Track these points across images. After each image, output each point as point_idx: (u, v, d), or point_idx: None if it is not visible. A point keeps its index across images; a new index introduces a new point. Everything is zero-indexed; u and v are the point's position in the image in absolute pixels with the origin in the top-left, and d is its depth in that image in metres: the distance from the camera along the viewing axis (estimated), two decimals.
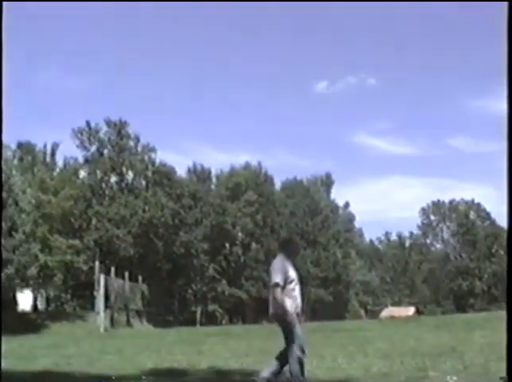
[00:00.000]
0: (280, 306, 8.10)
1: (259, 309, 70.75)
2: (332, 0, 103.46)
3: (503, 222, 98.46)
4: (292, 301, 8.22)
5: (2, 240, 35.06)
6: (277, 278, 8.17)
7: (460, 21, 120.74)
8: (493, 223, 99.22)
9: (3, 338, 14.85)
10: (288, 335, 8.15)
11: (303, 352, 8.19)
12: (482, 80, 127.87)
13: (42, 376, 11.13)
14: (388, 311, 59.89)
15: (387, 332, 21.89)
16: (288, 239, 9.41)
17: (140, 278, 50.16)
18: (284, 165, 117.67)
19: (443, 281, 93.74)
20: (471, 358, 11.09)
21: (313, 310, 71.40)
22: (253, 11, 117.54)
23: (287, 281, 8.25)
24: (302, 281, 8.64)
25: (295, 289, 8.34)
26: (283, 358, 8.34)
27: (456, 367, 10.02)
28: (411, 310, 57.71)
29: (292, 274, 8.37)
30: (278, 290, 8.13)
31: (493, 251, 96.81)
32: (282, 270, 8.29)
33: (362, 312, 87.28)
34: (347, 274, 79.20)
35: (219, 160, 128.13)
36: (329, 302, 74.44)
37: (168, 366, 12.65)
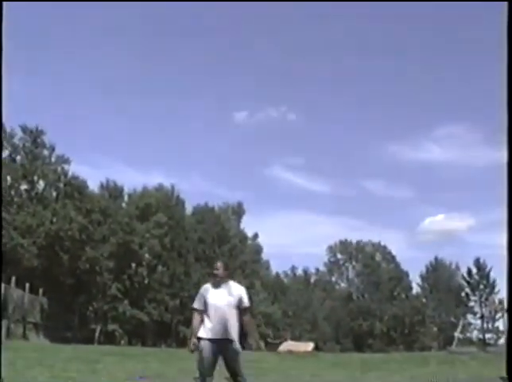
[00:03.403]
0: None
1: (159, 332, 70.18)
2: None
3: (407, 266, 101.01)
4: None
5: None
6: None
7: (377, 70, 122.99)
8: (397, 266, 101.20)
9: None
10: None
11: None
12: (400, 126, 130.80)
13: None
14: (287, 345, 59.80)
15: (284, 365, 21.97)
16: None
17: (41, 290, 49.17)
18: (197, 191, 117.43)
19: (344, 319, 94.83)
20: None
21: None
22: (177, 38, 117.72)
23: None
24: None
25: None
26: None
27: None
28: (310, 346, 57.75)
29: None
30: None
31: (395, 293, 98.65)
32: None
33: (262, 344, 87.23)
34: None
35: (133, 179, 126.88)
36: None
37: None
